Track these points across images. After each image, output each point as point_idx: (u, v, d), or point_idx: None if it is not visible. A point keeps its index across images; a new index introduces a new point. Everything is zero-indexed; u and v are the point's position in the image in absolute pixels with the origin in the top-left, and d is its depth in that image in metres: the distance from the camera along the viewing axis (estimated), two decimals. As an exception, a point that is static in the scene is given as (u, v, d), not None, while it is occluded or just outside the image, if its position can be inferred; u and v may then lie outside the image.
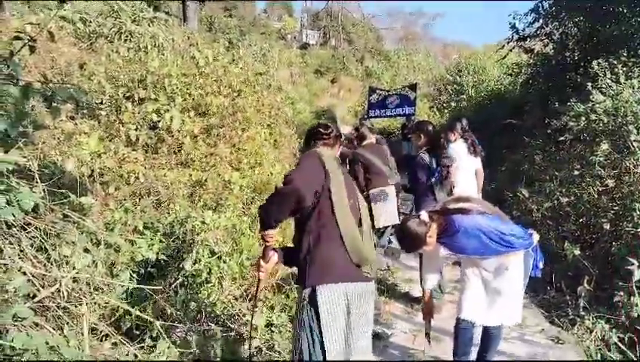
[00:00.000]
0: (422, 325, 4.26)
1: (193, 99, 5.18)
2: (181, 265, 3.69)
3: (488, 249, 3.02)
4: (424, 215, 3.05)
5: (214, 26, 26.41)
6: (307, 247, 2.39)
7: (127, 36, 6.87)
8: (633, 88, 5.89)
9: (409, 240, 3.03)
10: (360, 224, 2.48)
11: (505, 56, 11.20)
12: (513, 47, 10.79)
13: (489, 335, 3.35)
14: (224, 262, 3.92)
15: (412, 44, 30.92)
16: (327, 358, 2.29)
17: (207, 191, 4.48)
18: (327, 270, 2.34)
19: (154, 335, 3.09)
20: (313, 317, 2.34)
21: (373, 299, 2.53)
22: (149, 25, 7.62)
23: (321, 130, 2.69)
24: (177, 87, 5.08)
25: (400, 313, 4.77)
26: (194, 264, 3.74)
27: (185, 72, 5.28)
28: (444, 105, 17.79)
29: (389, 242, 6.04)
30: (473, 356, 3.43)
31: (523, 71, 11.15)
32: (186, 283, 3.70)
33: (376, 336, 4.18)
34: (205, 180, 4.52)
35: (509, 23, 10.40)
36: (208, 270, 3.81)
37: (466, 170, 5.23)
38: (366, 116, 12.53)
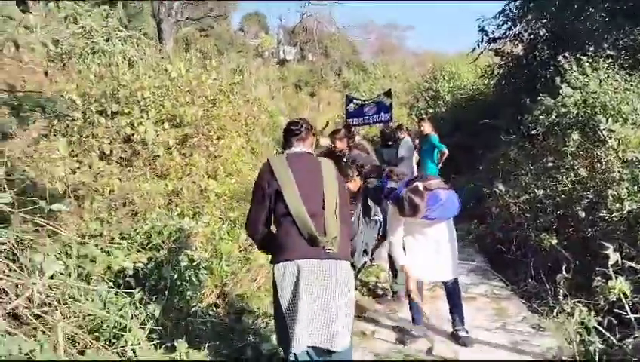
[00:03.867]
0: (403, 320, 4.29)
1: (167, 110, 5.18)
2: (160, 274, 3.65)
3: (447, 213, 3.75)
4: (421, 186, 3.53)
5: (191, 46, 26.40)
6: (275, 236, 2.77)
7: (99, 55, 6.85)
8: (600, 80, 6.05)
9: (410, 208, 3.48)
10: (322, 208, 2.68)
11: (476, 59, 11.41)
12: (483, 50, 11.00)
13: (447, 290, 4.01)
14: (204, 268, 3.90)
15: (388, 56, 31.23)
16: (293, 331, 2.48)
17: (183, 200, 4.46)
18: (281, 250, 2.64)
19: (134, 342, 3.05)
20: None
21: (336, 277, 2.60)
22: (122, 44, 7.61)
23: (291, 127, 2.94)
24: (150, 100, 5.09)
25: (383, 309, 4.77)
26: (173, 271, 3.71)
27: (158, 85, 5.29)
28: (422, 111, 17.97)
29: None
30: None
31: (495, 72, 11.34)
32: (165, 291, 3.66)
33: (360, 334, 4.19)
34: (181, 189, 4.51)
35: (478, 27, 10.61)
36: (188, 277, 3.78)
37: None
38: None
